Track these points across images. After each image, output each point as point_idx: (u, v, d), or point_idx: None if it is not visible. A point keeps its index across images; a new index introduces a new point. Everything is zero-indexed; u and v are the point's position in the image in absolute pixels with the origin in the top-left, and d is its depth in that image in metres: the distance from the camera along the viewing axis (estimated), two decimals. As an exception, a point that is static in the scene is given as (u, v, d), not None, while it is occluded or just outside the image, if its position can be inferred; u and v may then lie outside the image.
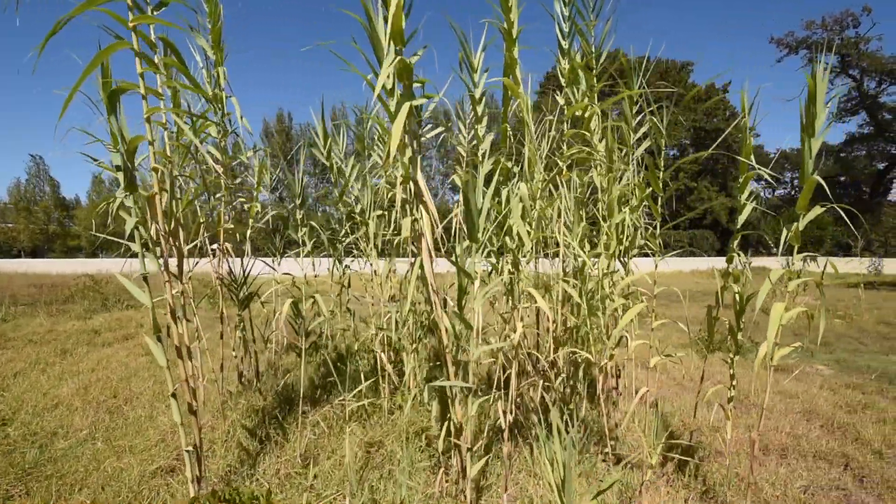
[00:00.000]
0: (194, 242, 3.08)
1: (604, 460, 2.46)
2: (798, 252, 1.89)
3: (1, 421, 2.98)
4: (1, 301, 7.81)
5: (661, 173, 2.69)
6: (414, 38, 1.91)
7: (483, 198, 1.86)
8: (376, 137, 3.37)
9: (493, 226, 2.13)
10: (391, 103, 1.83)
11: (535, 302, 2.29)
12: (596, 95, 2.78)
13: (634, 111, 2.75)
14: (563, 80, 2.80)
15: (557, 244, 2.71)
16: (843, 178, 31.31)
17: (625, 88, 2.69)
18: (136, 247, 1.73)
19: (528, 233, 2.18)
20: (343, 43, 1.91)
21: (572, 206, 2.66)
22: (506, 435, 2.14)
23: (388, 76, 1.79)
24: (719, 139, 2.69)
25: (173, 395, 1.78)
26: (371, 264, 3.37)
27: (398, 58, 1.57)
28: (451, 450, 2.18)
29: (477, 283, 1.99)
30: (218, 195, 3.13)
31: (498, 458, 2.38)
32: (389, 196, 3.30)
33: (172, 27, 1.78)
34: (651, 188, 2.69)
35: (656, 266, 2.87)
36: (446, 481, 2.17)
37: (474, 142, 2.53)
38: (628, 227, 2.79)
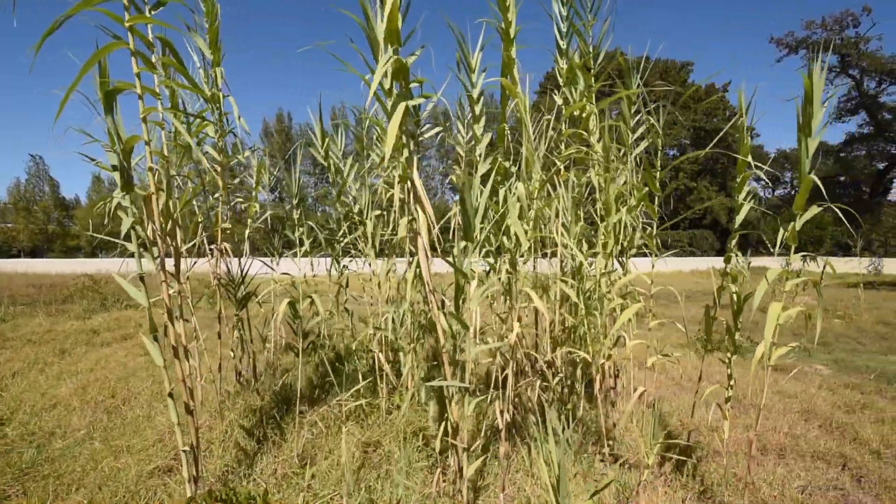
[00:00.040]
0: (192, 242, 3.08)
1: (602, 460, 2.46)
2: (798, 252, 1.89)
3: (-1, 421, 2.98)
4: (0, 301, 7.81)
5: (658, 173, 2.69)
6: (412, 38, 1.91)
7: (479, 198, 1.86)
8: (375, 137, 3.36)
9: (490, 226, 2.13)
10: (388, 103, 1.83)
11: (533, 302, 2.28)
12: (594, 95, 2.78)
13: (633, 111, 2.75)
14: (561, 80, 2.80)
15: (556, 244, 2.71)
16: (843, 178, 31.30)
17: (623, 88, 2.69)
18: (132, 247, 1.73)
19: (526, 233, 2.18)
20: (343, 43, 1.91)
21: (570, 205, 2.65)
22: (503, 435, 2.14)
23: (386, 75, 1.79)
24: (716, 138, 2.69)
25: (170, 395, 1.78)
26: (369, 264, 3.37)
27: (394, 57, 1.56)
28: (448, 450, 2.17)
29: (474, 283, 1.98)
30: (216, 195, 3.12)
31: (496, 458, 2.38)
32: (388, 196, 3.30)
33: (170, 28, 1.78)
34: (648, 188, 2.69)
35: (653, 266, 2.87)
36: (443, 481, 2.17)
37: (472, 142, 2.53)
38: (627, 227, 2.79)
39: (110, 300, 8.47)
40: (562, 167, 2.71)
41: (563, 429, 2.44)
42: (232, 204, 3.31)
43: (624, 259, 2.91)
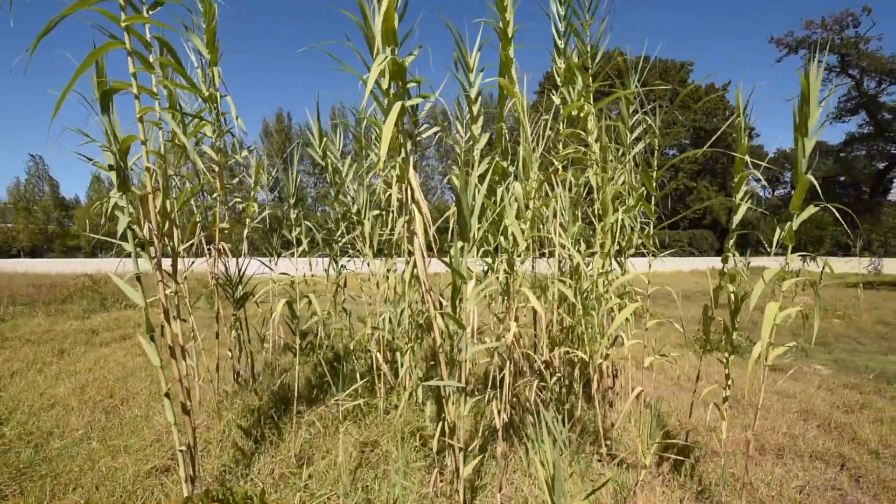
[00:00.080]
0: (190, 242, 3.08)
1: (599, 460, 2.46)
2: (798, 252, 1.89)
3: (-3, 421, 2.98)
4: (0, 300, 7.82)
5: (656, 173, 2.69)
6: (410, 38, 1.91)
7: (475, 197, 1.86)
8: (374, 137, 3.36)
9: (487, 225, 2.13)
10: (386, 103, 1.82)
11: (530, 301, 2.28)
12: (592, 95, 2.78)
13: (631, 111, 2.75)
14: (559, 80, 2.80)
15: (553, 244, 2.71)
16: (842, 178, 31.33)
17: (621, 88, 2.69)
18: (129, 247, 1.73)
19: (523, 232, 2.18)
20: (342, 43, 1.91)
21: (567, 205, 2.65)
22: (500, 435, 2.14)
23: (383, 75, 1.79)
24: (714, 138, 2.69)
25: (167, 395, 1.78)
26: (368, 264, 3.36)
27: (390, 57, 1.56)
28: (445, 449, 2.17)
29: (471, 282, 1.98)
30: (214, 195, 3.12)
31: (493, 458, 2.38)
32: (386, 196, 3.30)
33: (166, 28, 1.78)
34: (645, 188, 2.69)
35: (650, 265, 2.86)
36: (441, 481, 2.17)
37: (471, 142, 2.53)
38: (625, 227, 2.78)
39: (110, 300, 8.47)
40: (560, 167, 2.71)
41: (561, 429, 2.44)
42: (230, 204, 3.31)
43: (622, 259, 2.91)
